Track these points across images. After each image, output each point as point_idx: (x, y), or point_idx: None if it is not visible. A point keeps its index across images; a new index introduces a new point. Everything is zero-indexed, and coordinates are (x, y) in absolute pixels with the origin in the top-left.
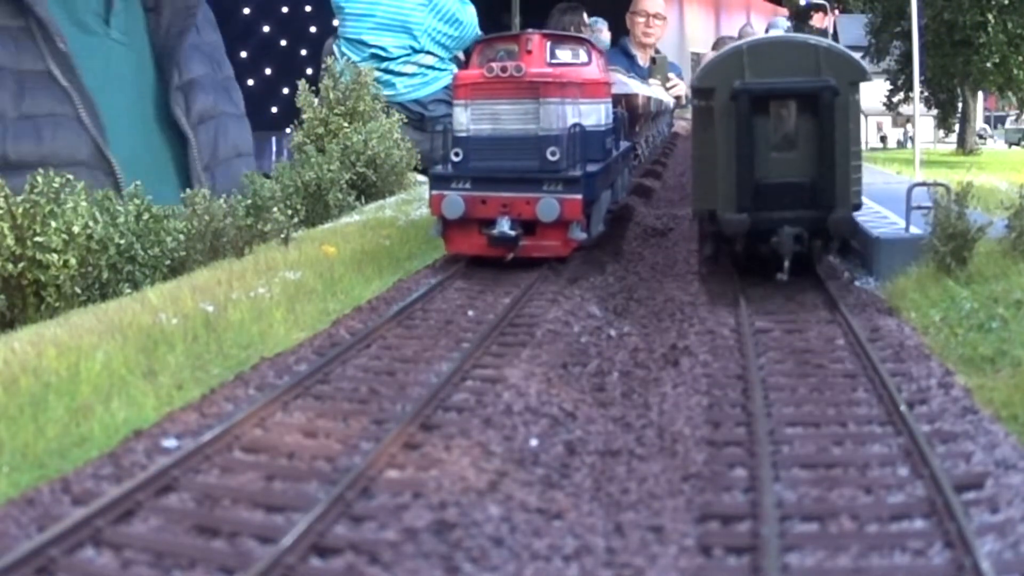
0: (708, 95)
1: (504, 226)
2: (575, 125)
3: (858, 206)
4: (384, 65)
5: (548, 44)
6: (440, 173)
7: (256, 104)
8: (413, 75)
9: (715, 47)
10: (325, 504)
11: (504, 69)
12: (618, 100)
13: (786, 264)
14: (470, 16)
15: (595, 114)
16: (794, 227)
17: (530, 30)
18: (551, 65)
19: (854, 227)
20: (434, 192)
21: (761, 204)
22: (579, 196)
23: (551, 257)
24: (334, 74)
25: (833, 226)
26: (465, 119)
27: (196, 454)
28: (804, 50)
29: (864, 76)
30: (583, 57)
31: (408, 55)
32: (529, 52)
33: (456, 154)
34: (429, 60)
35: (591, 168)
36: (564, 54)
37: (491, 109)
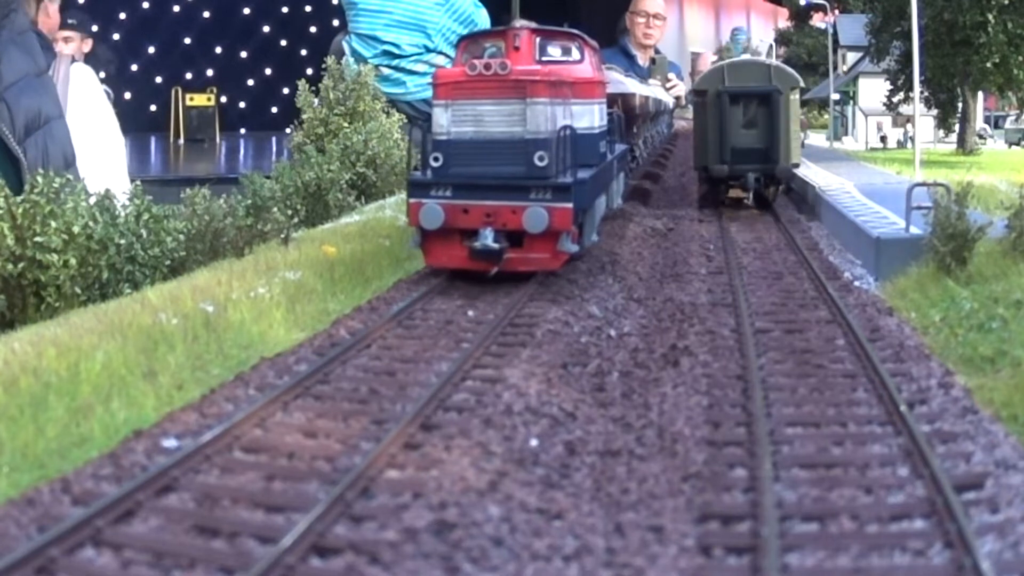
0: (703, 94)
1: (487, 238)
2: (565, 127)
3: (797, 164)
4: (395, 63)
5: (538, 40)
6: (418, 180)
7: (256, 104)
8: (424, 74)
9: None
10: (325, 504)
11: (487, 67)
12: (614, 100)
13: (750, 195)
14: (484, 19)
15: (588, 115)
16: (754, 174)
17: (518, 25)
18: (540, 63)
19: (792, 176)
20: (411, 200)
21: (734, 160)
22: (569, 205)
23: (539, 271)
24: (335, 74)
25: (779, 173)
26: (445, 121)
27: (196, 454)
28: (761, 67)
29: (798, 83)
30: (575, 54)
31: (421, 54)
32: (517, 49)
33: (435, 159)
34: (441, 60)
35: (583, 174)
36: (555, 51)
37: (473, 110)
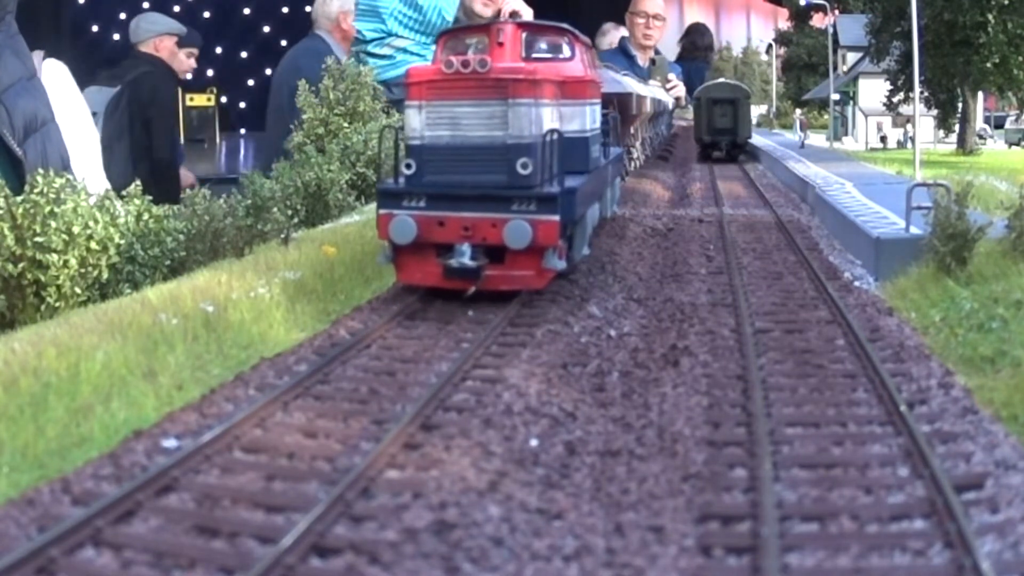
0: (699, 99)
1: (464, 256)
2: (552, 131)
3: (749, 137)
4: (362, 48)
5: (524, 36)
6: (389, 188)
7: (256, 104)
8: (387, 57)
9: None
10: (325, 504)
11: (465, 64)
12: (609, 100)
13: (723, 152)
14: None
15: (578, 117)
16: (725, 140)
17: (503, 19)
18: (526, 60)
19: (747, 143)
20: (381, 212)
21: (715, 134)
22: (556, 217)
23: (522, 290)
24: (335, 74)
25: (739, 140)
26: (419, 123)
27: (196, 454)
28: (730, 85)
29: (750, 94)
30: (565, 51)
31: (382, 39)
32: (501, 44)
33: (408, 166)
34: (403, 43)
35: (572, 183)
36: (543, 48)
37: (450, 112)
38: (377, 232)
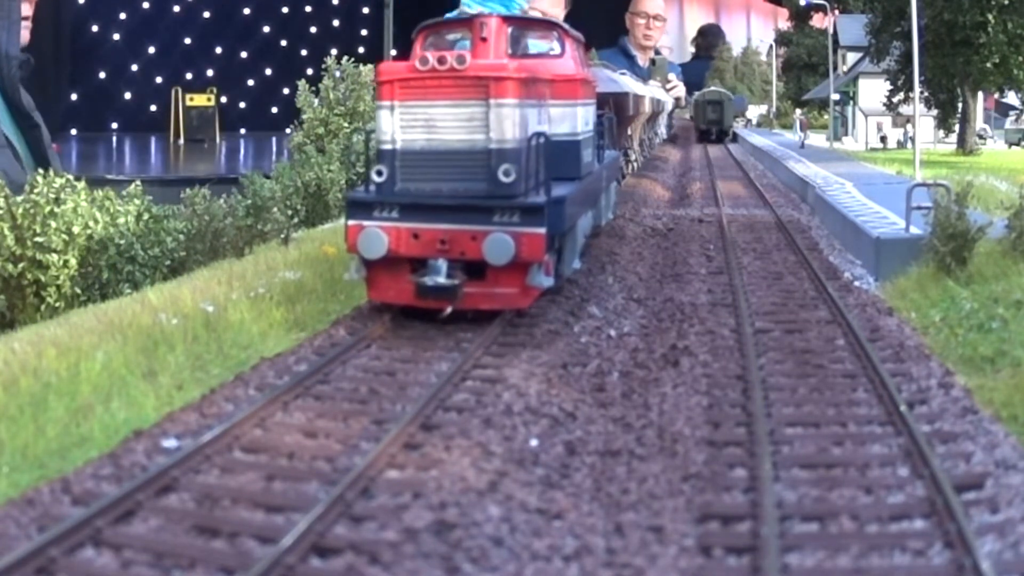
0: (698, 100)
1: (439, 273)
2: (538, 135)
3: (732, 126)
4: None
5: (509, 31)
6: (358, 198)
7: (256, 104)
8: None
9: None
10: (325, 504)
11: (441, 60)
12: (605, 100)
13: (714, 136)
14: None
15: (569, 120)
16: (715, 128)
17: (489, 12)
18: (511, 57)
19: (731, 130)
20: (350, 222)
21: (707, 123)
22: (541, 230)
23: (505, 309)
24: (334, 74)
25: (725, 128)
26: (391, 126)
27: (196, 454)
28: (718, 91)
29: (731, 97)
30: (555, 48)
31: None
32: (484, 40)
33: (378, 172)
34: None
35: (560, 191)
36: (530, 44)
37: (425, 113)
38: (346, 245)
